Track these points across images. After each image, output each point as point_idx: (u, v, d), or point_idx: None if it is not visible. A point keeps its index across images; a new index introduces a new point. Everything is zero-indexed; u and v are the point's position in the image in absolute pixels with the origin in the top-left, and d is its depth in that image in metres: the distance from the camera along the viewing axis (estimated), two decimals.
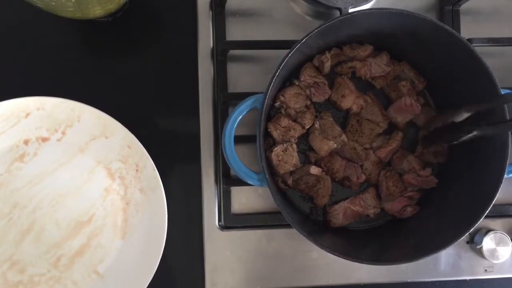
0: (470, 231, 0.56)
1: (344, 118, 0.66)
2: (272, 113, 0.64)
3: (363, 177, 0.64)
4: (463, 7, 0.69)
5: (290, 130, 0.62)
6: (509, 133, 0.57)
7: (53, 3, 0.54)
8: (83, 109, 0.60)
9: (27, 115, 0.60)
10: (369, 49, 0.64)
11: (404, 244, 0.62)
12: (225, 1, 0.65)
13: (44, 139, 0.61)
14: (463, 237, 0.56)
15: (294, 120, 0.63)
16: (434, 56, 0.62)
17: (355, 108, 0.65)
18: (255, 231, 0.65)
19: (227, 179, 0.64)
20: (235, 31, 0.67)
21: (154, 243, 0.60)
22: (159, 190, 0.60)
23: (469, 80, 0.60)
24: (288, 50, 0.55)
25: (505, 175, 0.56)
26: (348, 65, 0.65)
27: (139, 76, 0.67)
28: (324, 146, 0.62)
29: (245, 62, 0.67)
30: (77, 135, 0.61)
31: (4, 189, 0.60)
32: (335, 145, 0.63)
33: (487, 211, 0.56)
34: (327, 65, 0.63)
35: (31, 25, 0.65)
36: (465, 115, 0.57)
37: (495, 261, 0.66)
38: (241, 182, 0.59)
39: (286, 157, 0.61)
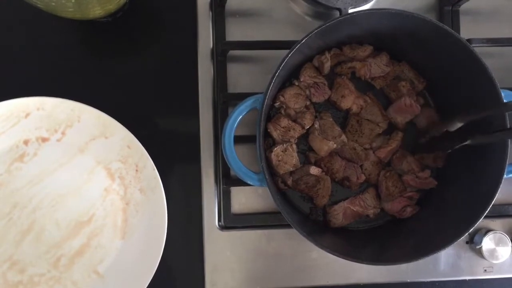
0: (470, 231, 0.56)
1: (344, 119, 0.66)
2: (272, 113, 0.64)
3: (363, 177, 0.64)
4: (463, 7, 0.69)
5: (290, 130, 0.62)
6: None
7: (53, 4, 0.54)
8: (83, 109, 0.60)
9: (27, 115, 0.60)
10: (368, 49, 0.64)
11: (404, 244, 0.62)
12: (225, 1, 0.65)
13: (44, 139, 0.61)
14: (463, 237, 0.56)
15: (294, 121, 0.63)
16: (433, 56, 0.62)
17: (355, 108, 0.65)
18: (255, 231, 0.65)
19: (227, 179, 0.64)
20: (235, 31, 0.67)
21: (154, 243, 0.60)
22: (159, 190, 0.60)
23: (469, 80, 0.60)
24: (288, 51, 0.55)
25: (505, 175, 0.56)
26: (347, 65, 0.65)
27: (139, 76, 0.67)
28: (324, 146, 0.62)
29: (245, 62, 0.67)
30: (77, 135, 0.61)
31: (4, 189, 0.60)
32: (335, 145, 0.63)
33: (487, 211, 0.56)
34: (327, 66, 0.63)
35: (31, 25, 0.65)
36: (459, 124, 0.57)
37: (494, 261, 0.66)
38: (241, 182, 0.59)
39: (286, 157, 0.61)
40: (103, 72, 0.67)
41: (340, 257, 0.55)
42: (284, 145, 0.61)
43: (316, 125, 0.63)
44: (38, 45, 0.66)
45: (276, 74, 0.55)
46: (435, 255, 0.59)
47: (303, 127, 0.63)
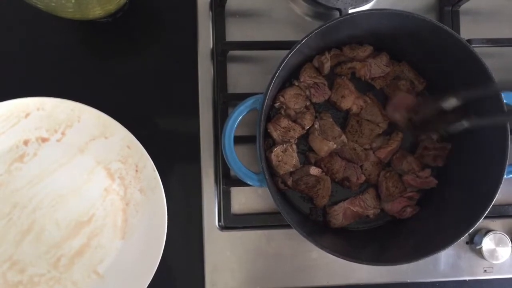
0: (470, 231, 0.56)
1: (344, 119, 0.66)
2: (272, 114, 0.64)
3: (363, 178, 0.64)
4: (463, 7, 0.69)
5: (289, 131, 0.62)
6: (508, 133, 0.57)
7: (53, 4, 0.54)
8: (83, 110, 0.60)
9: (27, 115, 0.60)
10: (368, 49, 0.64)
11: (404, 245, 0.62)
12: (225, 1, 0.65)
13: (44, 140, 0.61)
14: (463, 237, 0.56)
15: (294, 121, 0.63)
16: (433, 56, 0.62)
17: (355, 109, 0.65)
18: (255, 231, 0.65)
19: (227, 180, 0.64)
20: (235, 32, 0.67)
21: (154, 243, 0.60)
22: (159, 190, 0.60)
23: (469, 80, 0.60)
24: (288, 51, 0.55)
25: (505, 176, 0.56)
26: (347, 65, 0.65)
27: (139, 76, 0.67)
28: (324, 146, 0.62)
29: (245, 62, 0.67)
30: (77, 136, 0.61)
31: (4, 189, 0.60)
32: (335, 145, 0.63)
33: (487, 212, 0.56)
34: (327, 66, 0.63)
35: (31, 25, 0.65)
36: (454, 102, 0.56)
37: (494, 262, 0.66)
38: (241, 183, 0.59)
39: (286, 157, 0.61)
40: (103, 72, 0.67)
41: (340, 257, 0.55)
42: (284, 145, 0.61)
43: (316, 126, 0.63)
44: (38, 45, 0.66)
45: (276, 75, 0.55)
46: (435, 255, 0.58)
47: (303, 128, 0.63)
